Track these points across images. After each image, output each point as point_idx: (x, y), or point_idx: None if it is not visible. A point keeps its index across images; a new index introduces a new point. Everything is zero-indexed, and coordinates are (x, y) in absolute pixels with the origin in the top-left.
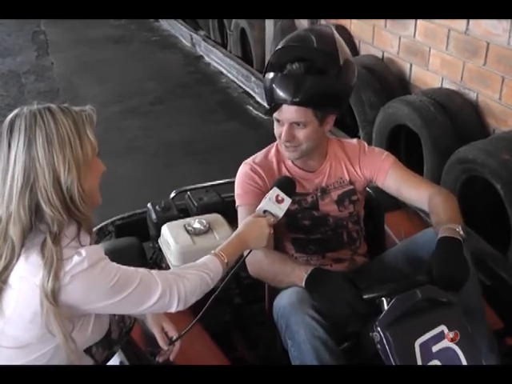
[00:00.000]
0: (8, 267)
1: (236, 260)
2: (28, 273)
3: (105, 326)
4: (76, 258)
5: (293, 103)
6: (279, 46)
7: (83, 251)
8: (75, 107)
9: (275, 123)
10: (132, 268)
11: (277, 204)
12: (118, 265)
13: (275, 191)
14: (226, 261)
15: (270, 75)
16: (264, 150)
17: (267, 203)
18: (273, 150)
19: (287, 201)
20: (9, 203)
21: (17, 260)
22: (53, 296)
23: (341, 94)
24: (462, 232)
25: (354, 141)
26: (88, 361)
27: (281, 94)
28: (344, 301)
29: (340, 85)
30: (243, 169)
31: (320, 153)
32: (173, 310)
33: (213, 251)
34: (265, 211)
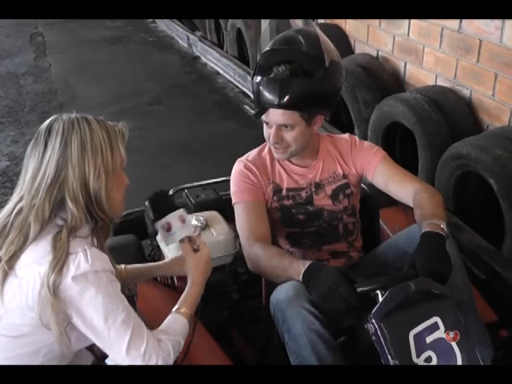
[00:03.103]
0: (17, 253)
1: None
2: (34, 261)
3: None
4: (81, 256)
5: (279, 106)
6: (266, 49)
7: (89, 254)
8: (110, 122)
9: (264, 125)
10: (133, 313)
11: (185, 225)
12: (123, 297)
13: (174, 217)
14: (189, 314)
15: (257, 79)
16: (258, 148)
17: (182, 231)
18: (266, 148)
19: (185, 215)
20: (35, 196)
21: (26, 248)
22: (53, 287)
23: (327, 95)
24: (446, 229)
25: (346, 136)
26: (88, 356)
27: (267, 97)
28: (339, 296)
29: (326, 86)
30: (237, 167)
31: (312, 150)
32: (149, 364)
33: (174, 309)
34: (181, 240)
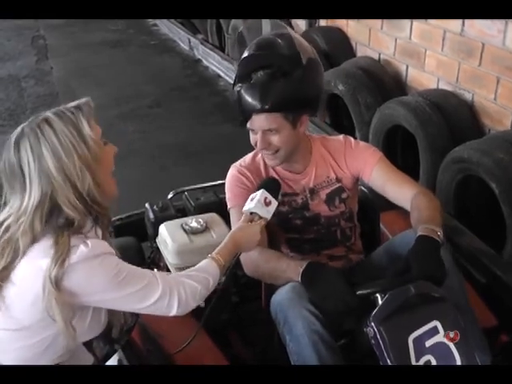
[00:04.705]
0: (8, 267)
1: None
2: (35, 255)
3: (102, 323)
4: (82, 248)
5: (261, 111)
6: (244, 55)
7: (89, 242)
8: (72, 103)
9: (250, 133)
10: (135, 267)
11: (265, 206)
12: (122, 261)
13: (263, 193)
14: (223, 263)
15: (238, 87)
16: (252, 153)
17: (256, 206)
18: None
19: (274, 203)
20: (22, 215)
21: (19, 261)
22: (56, 281)
23: (309, 94)
24: (441, 236)
25: (340, 137)
26: (89, 358)
27: (249, 103)
28: (336, 295)
29: (306, 85)
30: (232, 172)
31: (303, 154)
32: (172, 313)
33: (209, 255)
34: (252, 213)
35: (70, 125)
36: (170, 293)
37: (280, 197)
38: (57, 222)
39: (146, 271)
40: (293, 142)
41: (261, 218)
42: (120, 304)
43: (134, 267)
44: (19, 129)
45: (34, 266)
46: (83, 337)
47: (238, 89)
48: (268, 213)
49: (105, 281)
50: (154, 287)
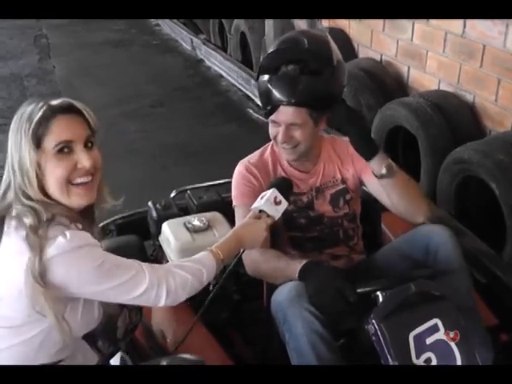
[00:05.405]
0: None
1: (232, 258)
2: (15, 250)
3: (97, 316)
4: (60, 239)
5: (290, 104)
6: (271, 49)
7: (68, 233)
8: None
9: (271, 125)
10: (121, 258)
11: (274, 205)
12: (107, 252)
13: (274, 192)
14: (221, 257)
15: (265, 77)
16: (259, 150)
17: (265, 204)
18: (268, 150)
19: (284, 203)
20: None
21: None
22: (40, 277)
23: (335, 93)
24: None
25: (347, 138)
26: (93, 356)
27: (277, 95)
28: (333, 289)
29: (334, 85)
30: (239, 169)
31: (314, 153)
32: (161, 303)
33: (209, 248)
34: (260, 211)
35: (15, 127)
36: (158, 283)
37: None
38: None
39: (133, 262)
40: (312, 139)
41: (268, 216)
42: (106, 296)
43: (120, 258)
44: (26, 104)
45: (15, 261)
46: (78, 330)
47: (266, 79)
48: (277, 212)
49: (87, 272)
50: (141, 278)
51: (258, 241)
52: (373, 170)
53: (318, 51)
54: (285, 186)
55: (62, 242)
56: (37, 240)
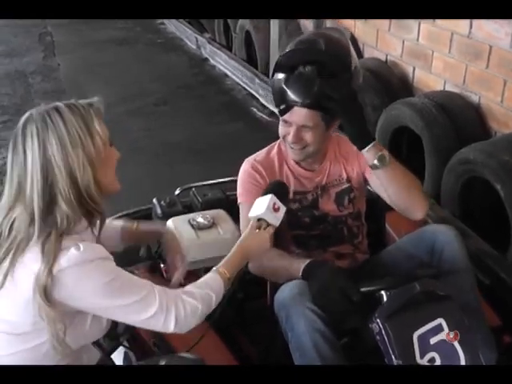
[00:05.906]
0: (13, 261)
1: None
2: (27, 259)
3: (105, 326)
4: (72, 251)
5: (304, 105)
6: (288, 49)
7: (81, 245)
8: (82, 100)
9: (281, 123)
10: (135, 277)
11: (274, 213)
12: (120, 268)
13: (272, 199)
14: (228, 276)
15: (280, 76)
16: (266, 149)
17: (266, 213)
18: (275, 149)
19: (282, 209)
20: (30, 203)
21: (23, 252)
22: (45, 292)
23: (350, 98)
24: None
25: None
26: (95, 352)
27: (292, 96)
28: (337, 288)
29: (350, 89)
30: (245, 166)
31: (322, 154)
32: (170, 330)
33: (215, 268)
34: (259, 219)
35: (80, 118)
36: (167, 309)
37: (291, 195)
38: (47, 221)
39: (146, 282)
40: (321, 141)
41: (269, 224)
42: (114, 314)
43: (133, 277)
44: (27, 113)
45: (25, 270)
46: (86, 339)
47: (281, 78)
48: (276, 219)
49: (97, 287)
50: (152, 300)
51: (262, 252)
52: (367, 161)
53: (337, 54)
54: (282, 191)
55: (75, 254)
56: (52, 248)
